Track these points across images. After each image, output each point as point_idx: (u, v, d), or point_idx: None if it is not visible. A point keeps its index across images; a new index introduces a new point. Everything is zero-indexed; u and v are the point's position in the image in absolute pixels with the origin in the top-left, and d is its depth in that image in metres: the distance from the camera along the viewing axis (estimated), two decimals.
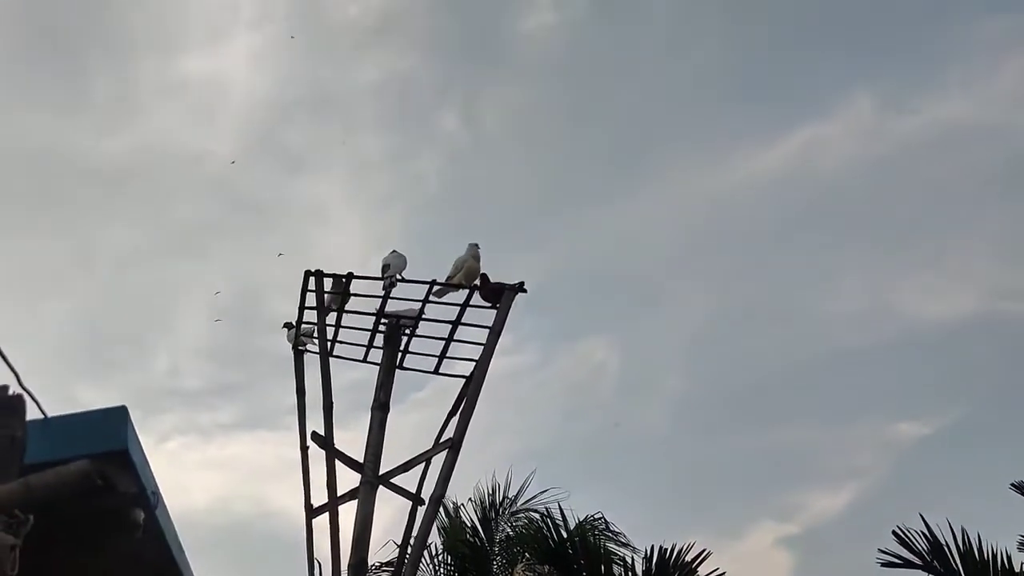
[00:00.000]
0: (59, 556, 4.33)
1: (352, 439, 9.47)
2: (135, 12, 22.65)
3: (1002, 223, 24.27)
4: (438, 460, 9.18)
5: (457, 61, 25.62)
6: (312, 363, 9.76)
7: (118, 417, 4.24)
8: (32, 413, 4.03)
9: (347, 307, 9.44)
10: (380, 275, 9.11)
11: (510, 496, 12.14)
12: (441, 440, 9.27)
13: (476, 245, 9.37)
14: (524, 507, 12.09)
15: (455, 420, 9.19)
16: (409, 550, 9.37)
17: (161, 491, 4.58)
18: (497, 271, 9.36)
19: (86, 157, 23.30)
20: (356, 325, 9.64)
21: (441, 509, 10.45)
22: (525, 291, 9.09)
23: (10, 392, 3.98)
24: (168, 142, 23.64)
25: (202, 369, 24.32)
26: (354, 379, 10.69)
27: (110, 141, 24.28)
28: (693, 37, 24.79)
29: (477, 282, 9.10)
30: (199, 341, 23.91)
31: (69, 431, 4.18)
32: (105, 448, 4.13)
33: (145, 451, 4.43)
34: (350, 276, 9.18)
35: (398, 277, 9.10)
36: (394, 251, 9.22)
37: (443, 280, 9.25)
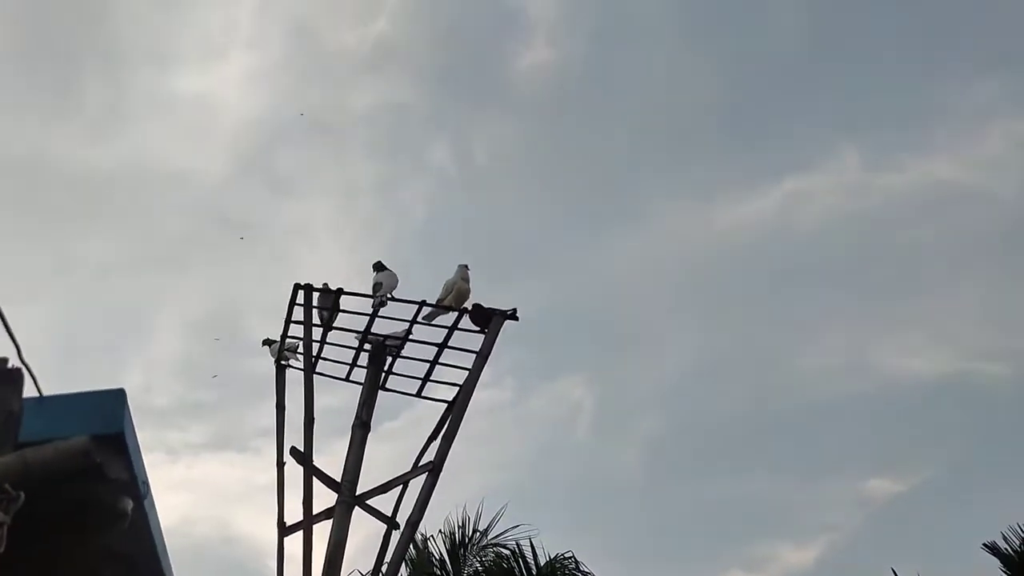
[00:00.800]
0: (39, 541, 4.15)
1: (327, 464, 9.26)
2: (132, 25, 22.62)
3: (982, 285, 24.64)
4: (415, 487, 9.00)
5: (451, 94, 25.82)
6: (292, 380, 9.64)
7: (115, 399, 4.09)
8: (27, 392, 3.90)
9: (333, 324, 9.32)
10: (370, 293, 9.02)
11: (480, 530, 11.99)
12: (420, 464, 9.10)
13: (465, 266, 9.30)
14: (493, 542, 11.94)
15: (435, 445, 9.03)
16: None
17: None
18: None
19: (72, 165, 23.07)
20: (341, 343, 9.52)
21: None
22: (517, 318, 9.00)
23: (9, 365, 3.85)
24: (156, 156, 23.49)
25: (173, 387, 23.90)
26: (330, 406, 10.49)
27: (97, 151, 24.06)
28: (685, 84, 25.15)
29: (468, 305, 9.00)
30: (173, 358, 23.54)
31: (64, 411, 4.03)
32: (100, 430, 3.98)
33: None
34: (339, 291, 9.07)
35: (389, 296, 9.00)
36: (386, 269, 9.12)
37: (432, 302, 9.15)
